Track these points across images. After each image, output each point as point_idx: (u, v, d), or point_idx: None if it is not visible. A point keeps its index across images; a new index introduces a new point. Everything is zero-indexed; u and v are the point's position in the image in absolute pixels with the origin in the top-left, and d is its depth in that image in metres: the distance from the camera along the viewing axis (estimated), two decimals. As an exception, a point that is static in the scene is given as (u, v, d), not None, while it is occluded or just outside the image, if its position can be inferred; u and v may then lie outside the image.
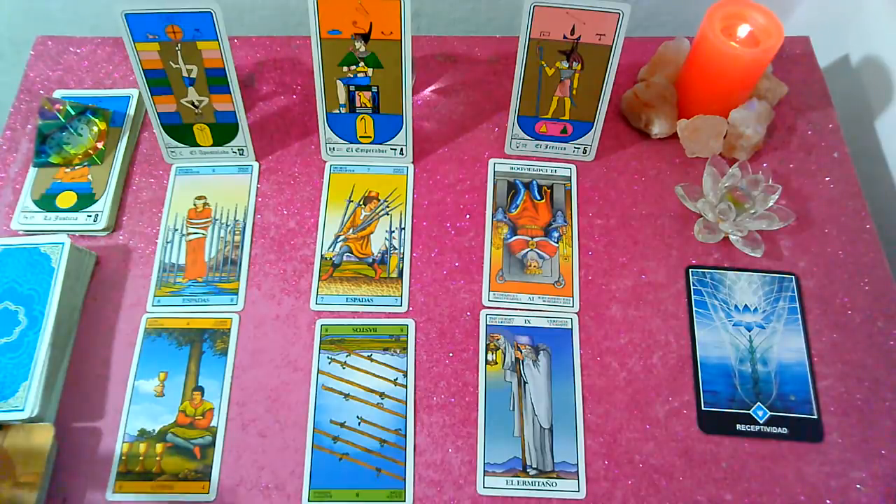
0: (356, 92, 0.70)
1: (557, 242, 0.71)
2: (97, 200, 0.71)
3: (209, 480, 0.60)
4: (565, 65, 0.68)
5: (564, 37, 0.66)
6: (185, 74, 0.68)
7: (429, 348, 0.66)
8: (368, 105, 0.70)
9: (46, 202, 0.71)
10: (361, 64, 0.67)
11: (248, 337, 0.66)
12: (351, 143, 0.74)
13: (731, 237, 0.70)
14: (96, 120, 0.74)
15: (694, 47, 0.73)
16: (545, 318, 0.67)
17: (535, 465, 0.61)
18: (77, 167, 0.73)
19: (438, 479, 0.60)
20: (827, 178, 0.75)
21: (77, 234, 0.70)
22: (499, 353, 0.65)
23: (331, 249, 0.70)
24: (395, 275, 0.69)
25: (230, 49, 0.66)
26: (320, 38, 0.65)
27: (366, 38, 0.65)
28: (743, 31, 0.70)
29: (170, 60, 0.67)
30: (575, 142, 0.74)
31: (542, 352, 0.65)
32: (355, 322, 0.67)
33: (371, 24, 0.64)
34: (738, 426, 0.62)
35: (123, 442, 0.61)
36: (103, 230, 0.71)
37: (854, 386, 0.64)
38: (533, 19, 0.65)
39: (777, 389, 0.64)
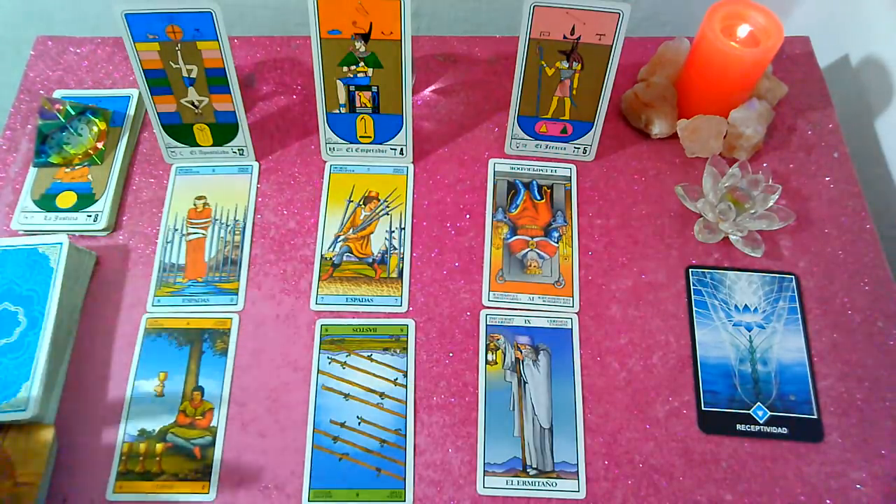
0: (356, 92, 0.70)
1: (557, 242, 0.71)
2: (97, 200, 0.71)
3: (209, 480, 0.60)
4: (565, 65, 0.68)
5: (564, 37, 0.66)
6: (185, 74, 0.68)
7: (429, 348, 0.66)
8: (368, 105, 0.70)
9: (46, 202, 0.71)
10: (361, 64, 0.67)
11: (248, 337, 0.66)
12: (351, 143, 0.74)
13: (731, 237, 0.70)
14: (96, 120, 0.74)
15: (694, 47, 0.73)
16: (545, 318, 0.67)
17: (535, 465, 0.61)
18: (77, 167, 0.73)
19: (438, 479, 0.60)
20: (827, 178, 0.75)
21: (77, 234, 0.70)
22: (499, 353, 0.65)
23: (331, 249, 0.70)
24: (395, 275, 0.69)
25: (230, 49, 0.66)
26: (320, 38, 0.65)
27: (366, 38, 0.65)
28: (743, 31, 0.70)
29: (170, 60, 0.67)
30: (575, 142, 0.74)
31: (542, 352, 0.65)
32: (355, 322, 0.67)
33: (371, 24, 0.64)
34: (738, 426, 0.62)
35: (123, 442, 0.61)
36: (103, 230, 0.71)
37: (854, 386, 0.64)
38: (533, 19, 0.65)
39: (777, 389, 0.64)
